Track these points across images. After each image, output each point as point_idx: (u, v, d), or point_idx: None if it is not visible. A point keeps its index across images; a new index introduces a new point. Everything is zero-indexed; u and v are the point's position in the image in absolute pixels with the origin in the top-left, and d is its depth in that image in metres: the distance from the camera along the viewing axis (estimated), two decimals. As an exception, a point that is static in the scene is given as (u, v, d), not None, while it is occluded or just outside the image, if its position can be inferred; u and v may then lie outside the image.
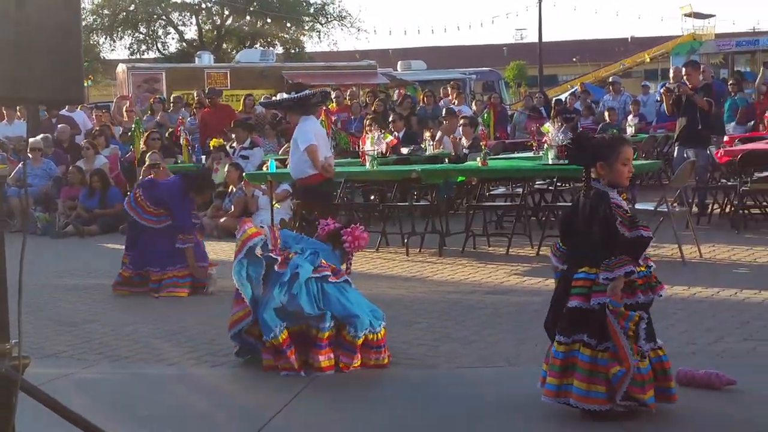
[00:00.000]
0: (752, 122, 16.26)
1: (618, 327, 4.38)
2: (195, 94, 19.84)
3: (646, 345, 4.42)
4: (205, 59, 28.60)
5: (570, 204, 5.00)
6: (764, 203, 11.19)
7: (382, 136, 11.34)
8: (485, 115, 17.45)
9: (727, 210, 11.09)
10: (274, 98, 7.86)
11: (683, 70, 12.02)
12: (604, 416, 4.46)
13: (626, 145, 4.74)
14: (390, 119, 15.29)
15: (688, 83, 11.61)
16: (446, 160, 12.46)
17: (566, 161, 9.75)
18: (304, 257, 5.88)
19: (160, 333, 7.04)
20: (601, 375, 4.44)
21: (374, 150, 10.92)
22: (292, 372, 5.63)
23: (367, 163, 11.00)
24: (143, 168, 12.63)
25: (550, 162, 9.78)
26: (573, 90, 25.22)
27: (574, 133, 4.92)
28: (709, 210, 11.33)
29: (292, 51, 45.41)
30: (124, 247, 9.03)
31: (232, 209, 12.45)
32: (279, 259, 5.82)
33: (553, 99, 21.87)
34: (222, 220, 12.31)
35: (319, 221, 6.54)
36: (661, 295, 4.57)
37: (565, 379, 4.53)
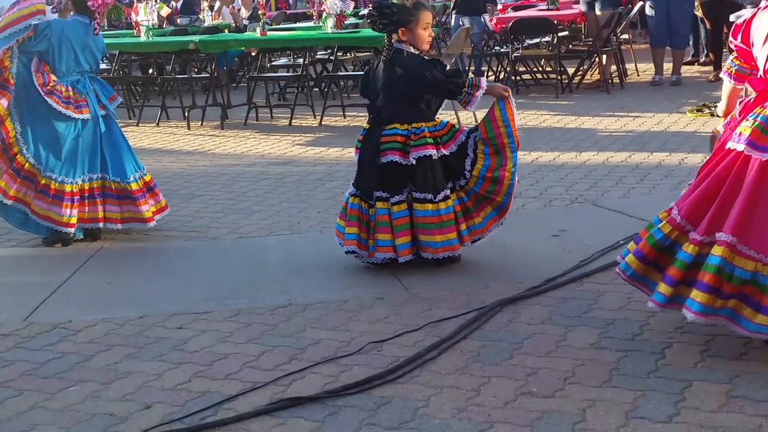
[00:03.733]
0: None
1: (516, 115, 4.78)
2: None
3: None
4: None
5: (365, 72, 5.10)
6: (534, 69, 11.66)
7: (156, 5, 10.89)
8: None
9: (501, 76, 11.49)
10: None
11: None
12: (453, 261, 4.86)
13: (426, 11, 4.86)
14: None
15: (462, -49, 11.77)
16: (226, 31, 12.17)
17: (344, 30, 9.78)
18: None
19: None
20: (447, 223, 4.72)
21: (148, 20, 10.49)
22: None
23: (142, 35, 10.58)
24: None
25: (330, 31, 9.74)
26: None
27: (376, 3, 4.98)
28: (484, 76, 11.71)
29: None
30: None
31: None
32: None
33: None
34: None
35: None
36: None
37: (411, 232, 4.76)
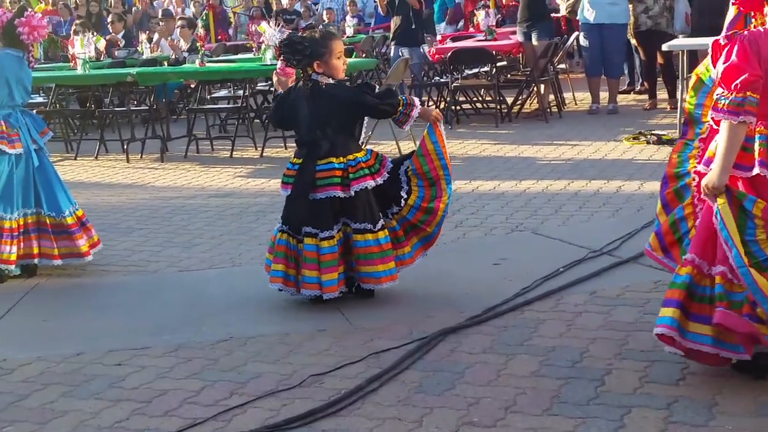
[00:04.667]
0: (461, 22, 16.94)
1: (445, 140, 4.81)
2: None
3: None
4: None
5: (277, 102, 5.03)
6: (474, 99, 11.77)
7: (93, 38, 10.79)
8: (204, 16, 17.04)
9: (441, 106, 11.58)
10: None
11: (396, -30, 12.27)
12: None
13: (336, 40, 4.86)
14: (109, 20, 14.64)
15: (401, -17, 11.89)
16: (165, 63, 12.09)
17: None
18: None
19: None
20: (387, 252, 4.72)
21: (85, 53, 10.39)
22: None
23: (79, 67, 10.48)
24: None
25: (269, 62, 9.74)
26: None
27: (285, 38, 4.95)
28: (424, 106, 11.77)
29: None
30: None
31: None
32: None
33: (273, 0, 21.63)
34: None
35: None
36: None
37: (341, 267, 4.70)
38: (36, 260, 5.64)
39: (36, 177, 5.62)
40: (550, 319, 4.40)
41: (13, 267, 5.56)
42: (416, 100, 4.81)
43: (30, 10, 5.72)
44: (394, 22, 12.05)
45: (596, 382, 3.62)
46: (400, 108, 4.74)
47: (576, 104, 12.23)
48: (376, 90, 4.89)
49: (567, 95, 12.27)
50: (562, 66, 12.58)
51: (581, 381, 3.64)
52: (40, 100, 11.32)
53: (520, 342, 4.13)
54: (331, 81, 4.76)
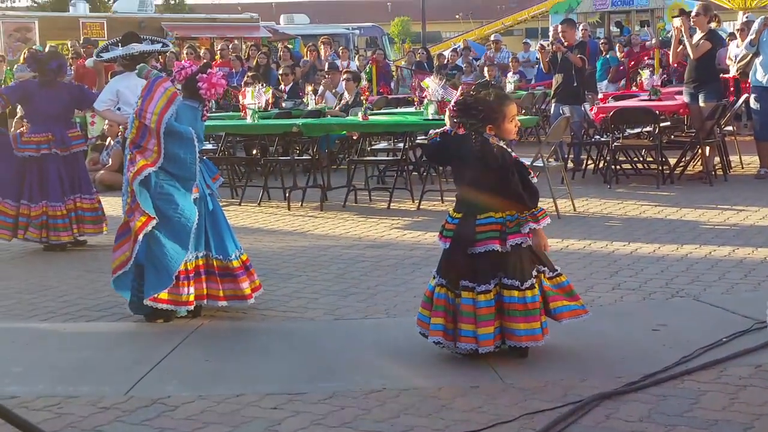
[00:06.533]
0: (623, 80, 16.73)
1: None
2: (69, 45, 19.22)
3: None
4: (81, 8, 27.65)
5: (442, 138, 4.98)
6: (635, 159, 11.56)
7: (263, 89, 11.23)
8: (368, 70, 17.47)
9: (600, 165, 11.43)
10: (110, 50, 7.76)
11: (559, 27, 12.27)
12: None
13: (510, 104, 4.87)
14: (280, 72, 15.27)
15: (564, 41, 11.87)
16: (328, 114, 12.44)
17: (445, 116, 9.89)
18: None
19: (33, 288, 6.87)
20: (533, 312, 4.68)
21: (255, 103, 10.82)
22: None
23: (248, 117, 10.92)
24: (15, 120, 12.23)
25: (430, 117, 9.87)
26: (455, 47, 25.37)
27: (459, 98, 4.96)
28: (584, 165, 11.67)
29: (172, 2, 44.38)
30: None
31: (110, 163, 12.16)
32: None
33: (436, 55, 21.98)
34: (99, 173, 12.01)
35: (174, 63, 6.40)
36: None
37: (497, 322, 4.69)
38: (204, 301, 5.85)
39: (207, 220, 5.87)
40: (712, 390, 4.25)
41: (191, 308, 5.76)
42: (545, 221, 4.79)
43: (213, 68, 6.01)
44: (556, 79, 12.02)
45: (761, 460, 3.47)
46: (528, 212, 4.74)
47: (743, 168, 11.82)
48: (532, 178, 4.85)
49: (733, 158, 11.89)
50: (729, 128, 12.21)
51: (745, 458, 3.49)
52: (209, 147, 11.81)
53: (679, 413, 4.00)
54: (501, 143, 4.77)
